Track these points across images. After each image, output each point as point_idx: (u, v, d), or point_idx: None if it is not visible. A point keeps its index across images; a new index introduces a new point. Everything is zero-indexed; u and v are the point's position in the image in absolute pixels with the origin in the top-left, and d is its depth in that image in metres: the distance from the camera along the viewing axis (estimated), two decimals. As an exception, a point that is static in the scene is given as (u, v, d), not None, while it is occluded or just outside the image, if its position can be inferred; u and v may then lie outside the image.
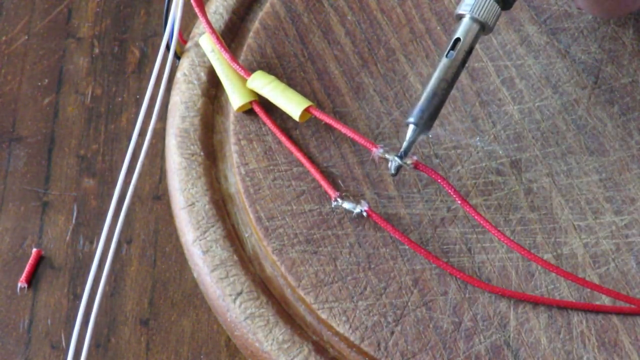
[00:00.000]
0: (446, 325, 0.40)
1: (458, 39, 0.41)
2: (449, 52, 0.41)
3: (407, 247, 0.42)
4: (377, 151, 0.42)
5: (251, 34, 0.48)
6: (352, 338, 0.40)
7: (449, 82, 0.41)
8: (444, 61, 0.41)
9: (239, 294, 0.42)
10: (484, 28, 0.42)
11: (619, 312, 0.41)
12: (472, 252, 0.42)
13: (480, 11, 0.41)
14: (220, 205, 0.44)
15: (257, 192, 0.44)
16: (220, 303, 0.42)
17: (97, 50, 0.80)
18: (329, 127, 0.45)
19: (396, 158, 0.41)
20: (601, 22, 0.48)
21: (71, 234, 0.71)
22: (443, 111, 0.43)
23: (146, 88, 0.46)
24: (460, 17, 0.42)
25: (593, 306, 0.41)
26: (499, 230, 0.41)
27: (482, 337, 0.40)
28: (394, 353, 0.40)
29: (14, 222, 0.72)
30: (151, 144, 0.46)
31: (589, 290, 0.41)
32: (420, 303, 0.41)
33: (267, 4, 0.49)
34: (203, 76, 0.47)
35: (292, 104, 0.44)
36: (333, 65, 0.47)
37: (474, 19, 0.41)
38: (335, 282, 0.41)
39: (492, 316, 0.41)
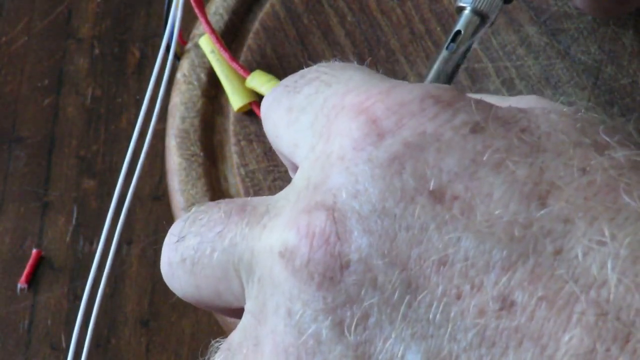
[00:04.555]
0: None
1: (459, 32, 0.41)
2: (449, 44, 0.41)
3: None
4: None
5: (251, 34, 0.48)
6: (352, 339, 0.40)
7: (448, 75, 0.40)
8: (443, 54, 0.41)
9: (239, 294, 0.42)
10: (484, 21, 0.41)
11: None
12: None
13: (482, 3, 0.41)
14: (220, 206, 0.44)
15: (257, 193, 0.44)
16: (220, 304, 0.42)
17: (97, 51, 0.80)
18: (328, 128, 0.45)
19: None
20: (601, 22, 0.48)
21: (71, 235, 0.71)
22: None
23: (146, 89, 0.46)
24: (460, 10, 0.42)
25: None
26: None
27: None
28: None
29: (14, 222, 0.72)
30: (151, 145, 0.46)
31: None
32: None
33: (267, 5, 0.49)
34: (203, 77, 0.48)
35: (292, 105, 0.44)
36: (333, 66, 0.47)
37: (474, 12, 0.41)
38: (335, 283, 0.41)
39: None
